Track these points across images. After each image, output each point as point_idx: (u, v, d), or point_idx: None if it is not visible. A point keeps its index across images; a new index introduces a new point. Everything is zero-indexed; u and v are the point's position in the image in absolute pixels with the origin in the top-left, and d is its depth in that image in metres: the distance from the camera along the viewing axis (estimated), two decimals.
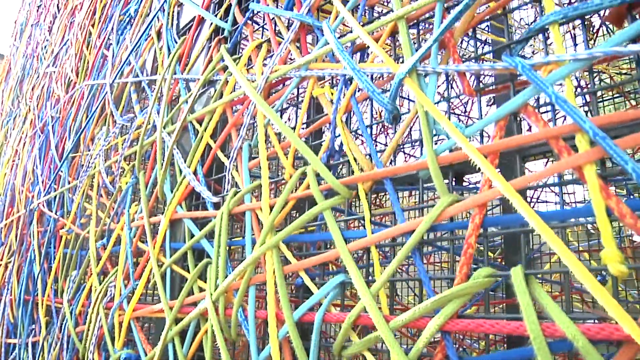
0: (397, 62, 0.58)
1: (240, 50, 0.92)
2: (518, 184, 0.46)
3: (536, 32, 0.49)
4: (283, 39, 0.77)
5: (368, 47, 0.62)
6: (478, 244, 0.50)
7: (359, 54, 0.67)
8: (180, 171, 0.90)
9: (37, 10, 2.78)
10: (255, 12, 0.83)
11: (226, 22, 0.91)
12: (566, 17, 0.46)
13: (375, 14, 0.70)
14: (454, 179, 0.67)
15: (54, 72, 2.03)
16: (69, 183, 1.50)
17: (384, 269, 0.52)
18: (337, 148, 0.64)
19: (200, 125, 0.90)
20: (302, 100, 0.69)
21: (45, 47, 2.34)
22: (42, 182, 1.77)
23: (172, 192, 0.93)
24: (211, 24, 0.97)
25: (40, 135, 1.98)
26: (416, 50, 0.56)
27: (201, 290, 0.79)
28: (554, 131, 0.45)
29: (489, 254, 0.51)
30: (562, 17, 0.46)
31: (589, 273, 0.40)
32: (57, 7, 2.32)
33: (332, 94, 0.65)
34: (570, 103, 0.44)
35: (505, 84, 0.52)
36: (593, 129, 0.42)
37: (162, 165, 0.93)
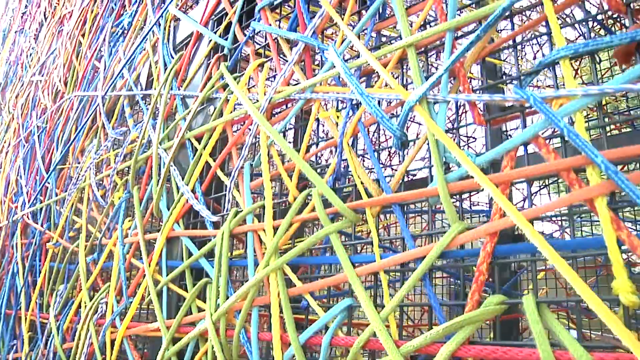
0: (406, 88, 0.59)
1: (240, 69, 0.92)
2: (530, 214, 0.47)
3: (546, 66, 0.50)
4: (286, 58, 0.78)
5: (375, 71, 0.63)
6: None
7: (364, 77, 0.67)
8: (178, 188, 0.89)
9: (22, 17, 2.75)
10: (256, 31, 0.83)
11: (226, 39, 0.91)
12: (577, 53, 0.48)
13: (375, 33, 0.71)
14: None
15: (41, 80, 2.00)
16: (56, 195, 1.47)
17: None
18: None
19: (198, 142, 0.89)
20: (306, 122, 0.69)
21: (30, 55, 2.31)
22: (27, 193, 1.74)
23: (168, 208, 0.92)
24: (210, 40, 0.96)
25: (24, 145, 1.95)
26: (425, 78, 0.56)
27: (199, 310, 0.78)
28: (565, 163, 0.46)
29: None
30: (572, 52, 0.47)
31: (602, 303, 0.41)
32: (44, 15, 2.30)
33: (337, 117, 0.65)
34: (582, 137, 0.45)
35: (514, 113, 0.53)
36: (605, 163, 0.43)
37: (158, 181, 0.92)
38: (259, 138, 0.75)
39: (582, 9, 0.51)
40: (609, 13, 0.47)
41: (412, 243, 0.55)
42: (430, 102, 0.54)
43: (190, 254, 0.83)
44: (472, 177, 0.50)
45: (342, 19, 0.68)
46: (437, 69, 0.56)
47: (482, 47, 0.53)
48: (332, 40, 0.70)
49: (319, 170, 0.67)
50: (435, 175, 0.53)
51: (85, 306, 1.08)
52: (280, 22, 0.83)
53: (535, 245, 0.45)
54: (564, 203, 0.47)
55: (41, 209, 1.55)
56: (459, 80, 0.54)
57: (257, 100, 0.76)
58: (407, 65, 0.60)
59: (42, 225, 1.50)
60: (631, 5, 0.47)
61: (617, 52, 0.47)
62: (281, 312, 0.63)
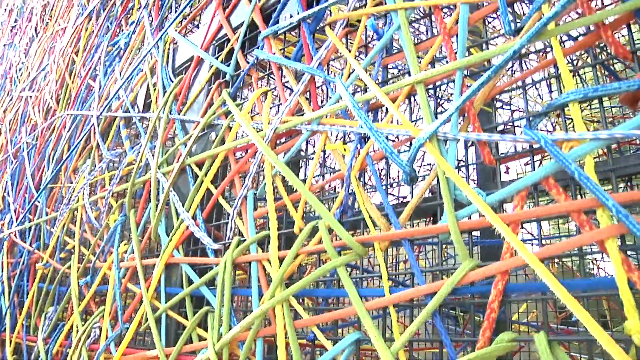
0: (413, 123, 0.60)
1: (241, 96, 0.92)
2: (542, 254, 0.48)
3: (556, 108, 0.51)
4: (289, 86, 0.78)
5: (383, 105, 0.64)
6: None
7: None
8: (177, 214, 0.89)
9: (11, 31, 2.72)
10: (259, 58, 0.84)
11: (228, 65, 0.92)
12: (586, 97, 0.49)
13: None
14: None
15: (31, 96, 1.98)
16: (47, 214, 1.46)
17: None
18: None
19: (198, 167, 0.89)
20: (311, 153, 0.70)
21: (20, 69, 2.29)
22: (15, 211, 1.71)
23: (166, 233, 0.92)
24: (211, 65, 0.97)
25: (12, 161, 1.92)
26: (435, 115, 0.57)
27: (200, 338, 0.78)
28: (576, 205, 0.47)
29: None
30: (582, 96, 0.49)
31: (615, 343, 0.42)
32: (35, 30, 2.28)
33: (344, 149, 0.66)
34: (593, 180, 0.46)
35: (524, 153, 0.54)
36: (616, 207, 0.44)
37: (157, 206, 0.92)
38: (262, 167, 0.75)
39: (589, 53, 0.52)
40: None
41: (422, 279, 0.55)
42: (441, 139, 0.55)
43: (190, 281, 0.82)
44: (482, 216, 0.51)
45: (349, 51, 0.69)
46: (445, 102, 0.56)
47: (492, 86, 0.54)
48: (337, 70, 0.71)
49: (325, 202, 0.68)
50: (446, 213, 0.53)
51: (77, 330, 1.06)
52: (284, 50, 0.84)
53: (546, 284, 0.46)
54: (575, 244, 0.47)
55: (30, 227, 1.53)
56: (468, 119, 0.55)
57: (261, 129, 0.76)
58: (415, 100, 0.61)
59: (31, 245, 1.48)
60: (638, 53, 0.48)
61: (624, 97, 0.49)
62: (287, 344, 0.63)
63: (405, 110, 0.64)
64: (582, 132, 0.47)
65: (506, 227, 0.50)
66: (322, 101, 0.72)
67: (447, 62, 0.60)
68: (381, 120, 0.65)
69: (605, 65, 0.77)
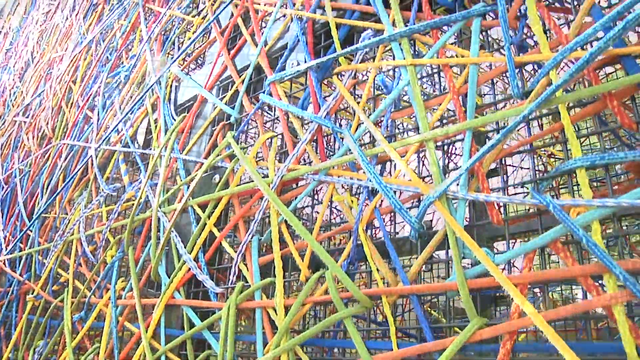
0: (422, 178, 0.61)
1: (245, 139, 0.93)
2: (549, 316, 0.49)
3: (563, 173, 0.52)
4: (293, 130, 0.79)
5: (390, 159, 0.65)
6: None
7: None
8: (178, 253, 0.89)
9: (6, 54, 2.72)
10: (265, 103, 0.85)
11: (232, 107, 0.93)
12: (593, 165, 0.50)
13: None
14: None
15: (25, 122, 1.98)
16: (39, 244, 1.44)
17: None
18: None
19: (200, 207, 0.90)
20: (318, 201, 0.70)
21: (14, 93, 2.29)
22: (5, 239, 1.69)
23: (166, 272, 0.91)
24: (215, 106, 0.98)
25: (3, 187, 1.91)
26: (444, 171, 0.59)
27: None
28: (583, 270, 0.49)
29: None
30: (589, 163, 0.50)
31: None
32: (32, 54, 2.29)
33: (352, 201, 0.67)
34: (600, 247, 0.47)
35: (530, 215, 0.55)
36: (623, 274, 0.45)
37: (157, 245, 0.92)
38: (267, 212, 0.76)
39: (596, 121, 0.54)
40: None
41: (430, 334, 0.56)
42: (450, 198, 0.56)
43: (191, 324, 0.82)
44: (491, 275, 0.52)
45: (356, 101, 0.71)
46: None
47: (500, 148, 0.56)
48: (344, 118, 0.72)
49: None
50: (454, 271, 0.54)
51: None
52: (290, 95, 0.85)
53: (554, 346, 0.47)
54: (581, 308, 0.49)
55: (21, 257, 1.51)
56: (477, 179, 0.56)
57: (266, 175, 0.77)
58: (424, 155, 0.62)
59: (21, 275, 1.46)
60: None
61: (630, 165, 0.51)
62: None
63: (413, 162, 0.66)
64: (590, 200, 0.49)
65: (514, 288, 0.51)
66: (327, 141, 0.74)
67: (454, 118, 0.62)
68: (389, 172, 0.66)
69: (614, 132, 0.79)
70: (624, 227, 1.56)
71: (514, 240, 1.47)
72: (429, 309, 2.13)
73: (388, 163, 0.72)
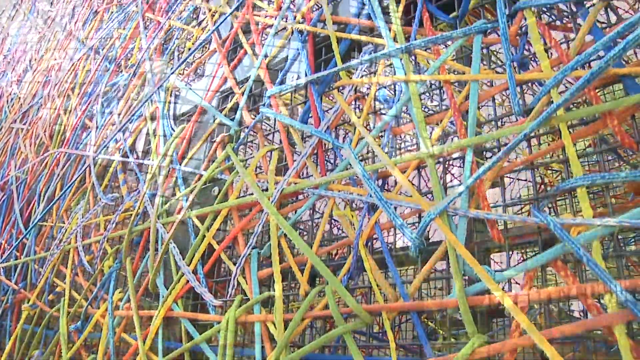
0: (421, 192, 0.61)
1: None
2: (550, 335, 0.49)
3: (563, 191, 0.53)
4: (292, 143, 0.80)
5: (391, 175, 0.65)
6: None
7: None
8: (176, 265, 0.89)
9: (4, 60, 2.72)
10: (265, 116, 0.85)
11: (232, 119, 0.93)
12: (593, 184, 0.51)
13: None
14: None
15: (22, 129, 1.97)
16: (35, 253, 1.44)
17: None
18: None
19: (199, 219, 0.89)
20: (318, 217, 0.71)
21: (12, 100, 2.28)
22: (0, 246, 1.68)
23: (164, 284, 0.91)
24: (214, 117, 0.98)
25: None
26: (444, 188, 0.59)
27: None
28: (584, 289, 0.49)
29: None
30: (589, 182, 0.51)
31: None
32: (30, 61, 2.28)
33: (352, 216, 0.67)
34: (600, 266, 0.47)
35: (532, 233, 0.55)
36: (624, 294, 0.45)
37: (155, 256, 0.92)
38: (267, 226, 0.76)
39: (597, 139, 0.55)
40: None
41: (430, 351, 0.56)
42: (451, 215, 0.57)
43: (189, 336, 0.82)
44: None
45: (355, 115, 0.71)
46: None
47: (500, 166, 0.56)
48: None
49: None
50: (454, 288, 0.54)
51: None
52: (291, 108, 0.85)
53: None
54: (582, 327, 0.49)
55: (16, 265, 1.51)
56: (477, 196, 0.56)
57: (266, 189, 0.77)
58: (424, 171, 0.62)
59: (16, 283, 1.45)
60: None
61: (630, 185, 0.51)
62: None
63: (414, 178, 0.66)
64: (591, 219, 0.49)
65: (515, 307, 0.51)
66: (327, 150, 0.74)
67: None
68: (390, 188, 0.66)
69: (615, 151, 0.80)
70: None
71: (511, 252, 1.46)
72: (425, 319, 2.13)
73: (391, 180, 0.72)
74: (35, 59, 2.23)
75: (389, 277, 0.64)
